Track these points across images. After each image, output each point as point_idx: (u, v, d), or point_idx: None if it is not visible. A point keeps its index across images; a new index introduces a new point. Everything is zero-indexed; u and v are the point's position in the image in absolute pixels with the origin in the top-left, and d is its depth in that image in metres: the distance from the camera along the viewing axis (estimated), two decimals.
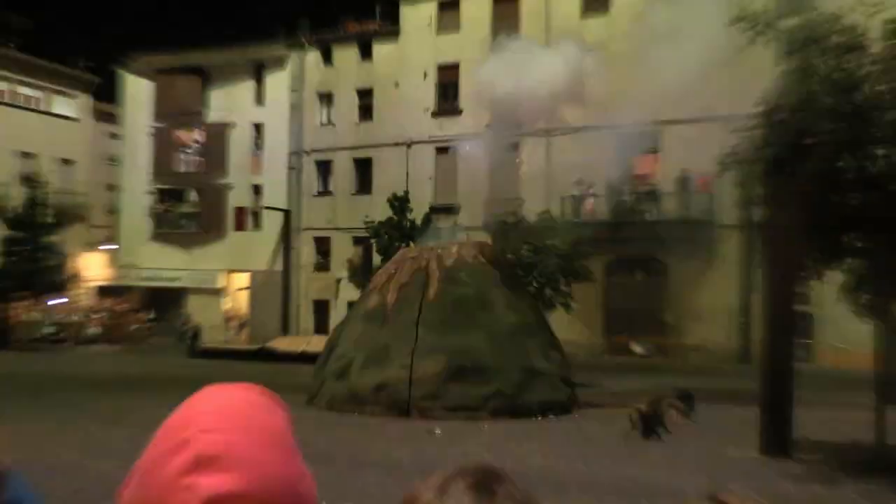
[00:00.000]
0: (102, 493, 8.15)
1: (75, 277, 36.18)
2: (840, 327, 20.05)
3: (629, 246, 30.41)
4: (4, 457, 1.09)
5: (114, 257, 42.54)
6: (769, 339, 11.89)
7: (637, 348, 30.23)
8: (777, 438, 11.20)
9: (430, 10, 35.36)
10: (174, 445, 0.93)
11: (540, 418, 14.45)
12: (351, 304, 22.68)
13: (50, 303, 36.58)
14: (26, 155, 40.09)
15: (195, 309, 38.52)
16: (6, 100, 40.75)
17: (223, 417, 0.97)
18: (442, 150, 34.72)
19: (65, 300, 38.47)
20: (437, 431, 12.79)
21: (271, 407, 1.02)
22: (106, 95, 45.31)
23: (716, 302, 29.31)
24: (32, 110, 42.02)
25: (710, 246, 29.42)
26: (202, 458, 0.91)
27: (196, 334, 35.83)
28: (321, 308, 36.74)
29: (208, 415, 0.97)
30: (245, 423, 0.97)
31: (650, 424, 12.61)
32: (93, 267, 43.73)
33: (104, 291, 42.07)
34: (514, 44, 26.34)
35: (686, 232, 28.82)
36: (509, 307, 16.03)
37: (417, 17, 35.54)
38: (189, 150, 40.37)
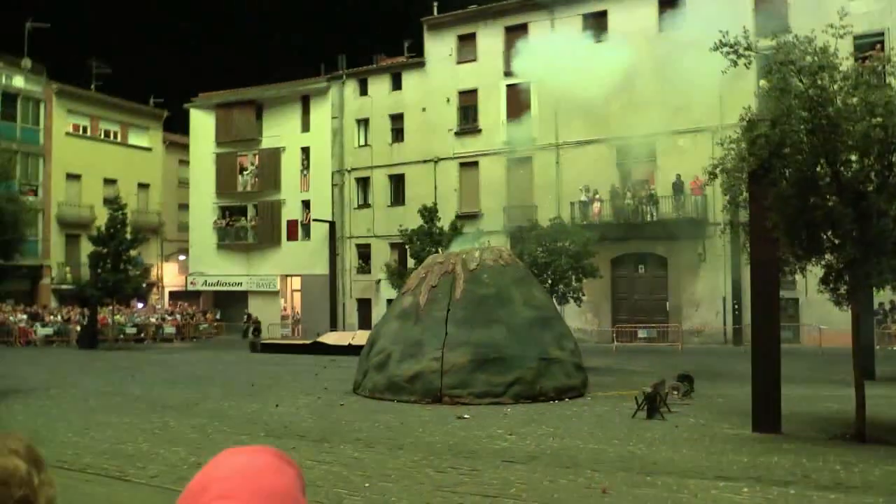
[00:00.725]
0: (174, 479, 8.22)
1: (153, 285, 36.62)
2: (822, 310, 19.62)
3: (632, 244, 30.12)
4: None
5: (185, 266, 43.03)
6: (757, 328, 11.69)
7: (642, 334, 29.87)
8: (767, 415, 10.97)
9: (450, 43, 35.28)
10: None
11: (556, 402, 14.30)
12: (390, 302, 22.66)
13: (131, 307, 37.14)
14: (108, 181, 40.67)
15: (256, 309, 38.92)
16: (89, 134, 41.39)
17: (237, 482, 0.95)
18: (465, 165, 34.64)
19: (144, 305, 39.05)
20: (466, 416, 12.72)
21: (281, 467, 1.01)
22: (175, 127, 46.01)
23: (710, 291, 28.93)
24: (112, 142, 42.62)
25: (704, 241, 29.03)
26: None
27: (257, 331, 36.18)
28: (364, 305, 36.85)
29: (223, 480, 0.96)
30: (257, 487, 0.95)
31: (654, 405, 12.42)
32: (167, 275, 44.34)
33: (177, 296, 42.60)
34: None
35: (682, 230, 28.47)
36: (526, 303, 15.87)
37: (440, 50, 35.48)
38: (247, 172, 40.71)
